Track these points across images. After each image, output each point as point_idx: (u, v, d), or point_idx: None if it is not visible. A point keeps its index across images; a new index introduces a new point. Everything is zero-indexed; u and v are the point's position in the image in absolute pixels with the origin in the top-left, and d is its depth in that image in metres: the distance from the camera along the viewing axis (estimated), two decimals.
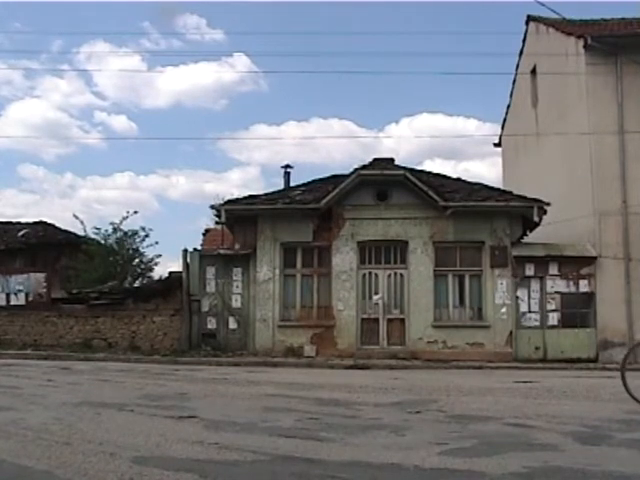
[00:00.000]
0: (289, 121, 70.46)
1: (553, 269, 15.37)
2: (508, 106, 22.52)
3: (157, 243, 20.47)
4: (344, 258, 15.52)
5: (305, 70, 69.28)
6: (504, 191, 16.51)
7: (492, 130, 49.68)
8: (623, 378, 7.46)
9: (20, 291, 16.32)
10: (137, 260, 20.30)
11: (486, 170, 59.16)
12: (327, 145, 74.06)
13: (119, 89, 63.45)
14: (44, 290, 16.31)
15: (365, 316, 15.45)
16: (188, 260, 15.85)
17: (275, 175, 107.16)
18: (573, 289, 15.34)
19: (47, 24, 54.42)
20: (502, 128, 23.34)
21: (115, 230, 19.59)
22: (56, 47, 56.42)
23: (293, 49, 52.51)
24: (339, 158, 65.00)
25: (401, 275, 15.57)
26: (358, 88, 67.61)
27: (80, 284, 17.81)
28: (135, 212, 21.42)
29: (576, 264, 15.31)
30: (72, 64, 55.95)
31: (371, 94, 63.90)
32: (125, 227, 19.69)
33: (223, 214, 15.60)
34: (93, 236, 19.79)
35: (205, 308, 15.76)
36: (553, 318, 15.27)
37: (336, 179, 15.86)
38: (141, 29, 59.72)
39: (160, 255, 20.87)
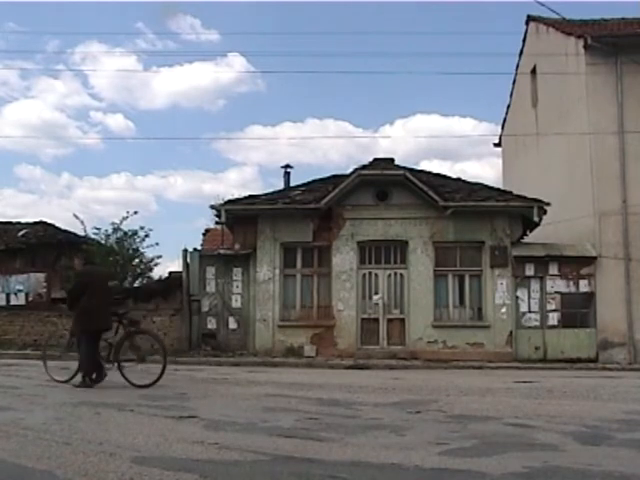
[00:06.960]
0: (285, 122, 70.47)
1: (553, 269, 15.39)
2: (508, 106, 22.53)
3: (157, 244, 20.44)
4: (344, 258, 15.52)
5: (300, 70, 69.25)
6: (504, 191, 16.52)
7: (489, 130, 49.86)
8: (44, 361, 9.35)
9: (20, 291, 16.33)
10: (137, 260, 20.27)
11: (483, 170, 59.16)
12: (323, 146, 74.16)
13: (115, 90, 63.38)
14: (44, 290, 16.31)
15: (365, 316, 15.46)
16: (188, 260, 15.86)
17: (272, 175, 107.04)
18: (573, 289, 15.36)
19: (42, 24, 54.27)
20: (502, 128, 23.36)
21: (115, 230, 19.58)
22: (51, 47, 56.33)
23: (288, 49, 52.48)
24: (336, 159, 65.03)
25: (401, 275, 15.57)
26: (354, 89, 67.38)
27: None
28: (135, 212, 21.34)
29: (576, 264, 15.33)
30: (67, 64, 55.99)
31: (367, 95, 63.88)
32: (125, 227, 19.69)
33: (223, 214, 15.62)
34: (93, 236, 19.77)
35: (205, 308, 15.77)
36: (553, 318, 15.28)
37: (336, 179, 15.87)
38: (136, 30, 59.67)
39: (160, 256, 20.83)
